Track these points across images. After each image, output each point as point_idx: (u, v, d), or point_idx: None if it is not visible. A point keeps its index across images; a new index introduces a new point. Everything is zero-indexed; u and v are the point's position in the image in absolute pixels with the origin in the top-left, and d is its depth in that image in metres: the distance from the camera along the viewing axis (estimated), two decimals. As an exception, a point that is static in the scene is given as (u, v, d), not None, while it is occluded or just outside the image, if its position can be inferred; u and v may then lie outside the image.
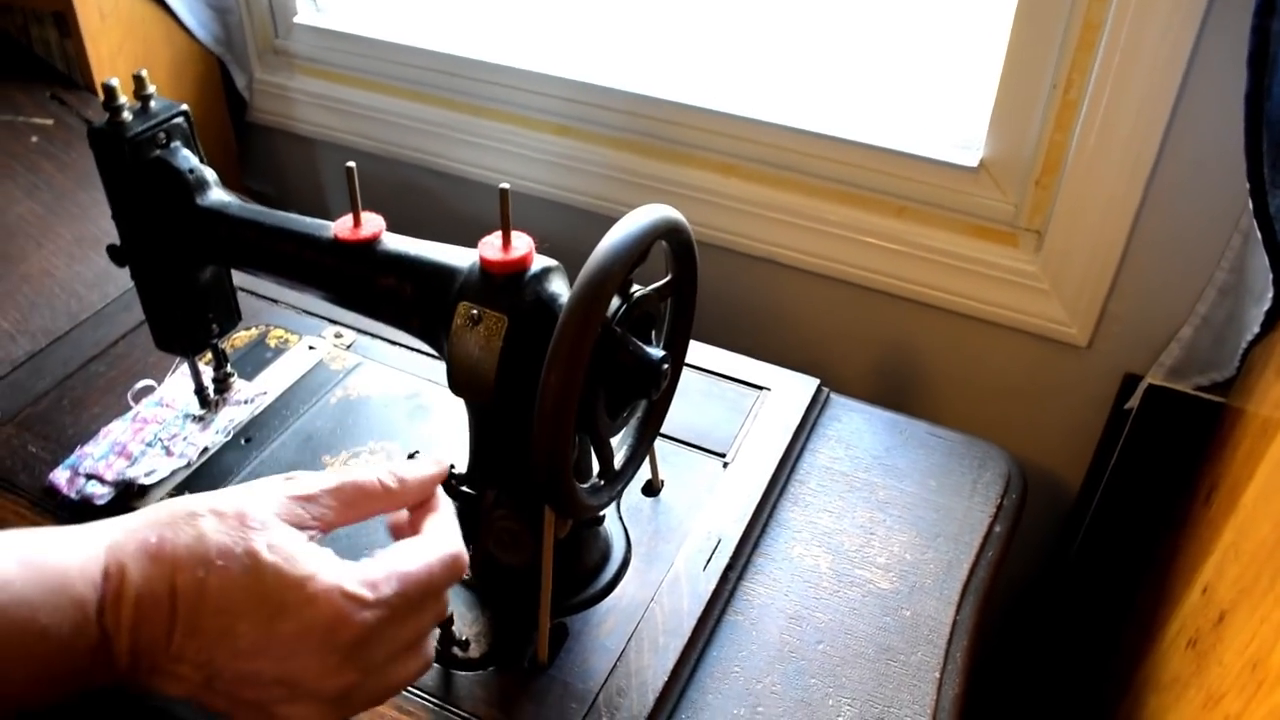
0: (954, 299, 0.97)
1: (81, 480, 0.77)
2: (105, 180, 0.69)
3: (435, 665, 0.65)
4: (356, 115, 1.22)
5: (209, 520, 0.47)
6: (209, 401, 0.82)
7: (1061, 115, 0.87)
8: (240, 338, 0.90)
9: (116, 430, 0.80)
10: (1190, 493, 0.85)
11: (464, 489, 0.65)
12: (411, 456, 0.65)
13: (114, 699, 0.64)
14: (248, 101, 1.28)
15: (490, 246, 0.58)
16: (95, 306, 0.94)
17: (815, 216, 1.01)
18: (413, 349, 0.89)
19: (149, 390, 0.84)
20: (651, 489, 0.77)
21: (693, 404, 0.85)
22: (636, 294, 0.58)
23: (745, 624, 0.70)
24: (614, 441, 0.64)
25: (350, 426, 0.82)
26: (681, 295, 0.64)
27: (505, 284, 0.58)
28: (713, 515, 0.76)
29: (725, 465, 0.80)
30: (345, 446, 0.80)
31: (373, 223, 0.63)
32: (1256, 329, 0.76)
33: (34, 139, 1.05)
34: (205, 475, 0.78)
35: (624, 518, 0.75)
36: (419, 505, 0.55)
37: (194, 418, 0.82)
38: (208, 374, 0.82)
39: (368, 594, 0.46)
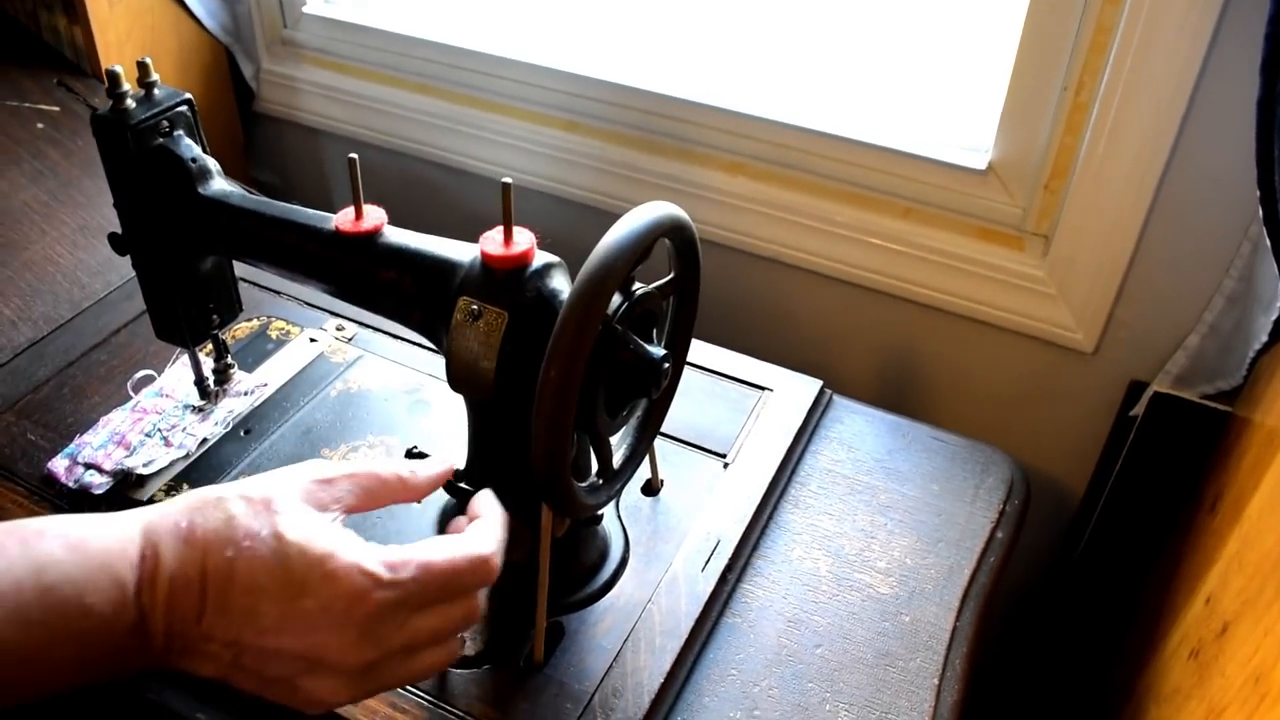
0: (959, 302, 0.97)
1: (80, 469, 0.76)
2: (107, 168, 0.69)
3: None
4: (363, 107, 1.21)
5: (237, 504, 0.48)
6: (209, 392, 0.81)
7: (1072, 118, 0.87)
8: (241, 329, 0.90)
9: (116, 420, 0.80)
10: (1195, 502, 0.84)
11: (462, 485, 0.65)
12: (410, 452, 0.64)
13: (112, 697, 0.64)
14: (255, 92, 1.27)
15: (492, 241, 0.58)
16: (98, 294, 0.94)
17: (821, 216, 1.00)
18: (414, 343, 0.89)
19: (149, 380, 0.84)
20: (651, 488, 0.77)
21: (694, 403, 0.84)
22: (638, 292, 0.58)
23: (743, 626, 0.70)
24: (613, 440, 0.63)
25: (350, 420, 0.82)
26: (684, 294, 0.64)
27: (506, 280, 0.57)
28: (712, 516, 0.75)
29: (726, 466, 0.79)
30: (344, 440, 0.80)
31: (374, 215, 0.63)
32: (1265, 338, 0.76)
33: (40, 125, 1.05)
34: (203, 466, 0.78)
35: (623, 517, 0.74)
36: (472, 516, 0.56)
37: (194, 408, 0.81)
38: (208, 365, 0.82)
39: (385, 573, 0.48)
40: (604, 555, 0.71)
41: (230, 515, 0.48)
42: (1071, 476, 1.00)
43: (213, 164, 0.69)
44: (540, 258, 0.59)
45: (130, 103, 0.66)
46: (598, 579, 0.70)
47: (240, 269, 0.79)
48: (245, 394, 0.83)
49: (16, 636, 0.43)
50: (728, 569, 0.72)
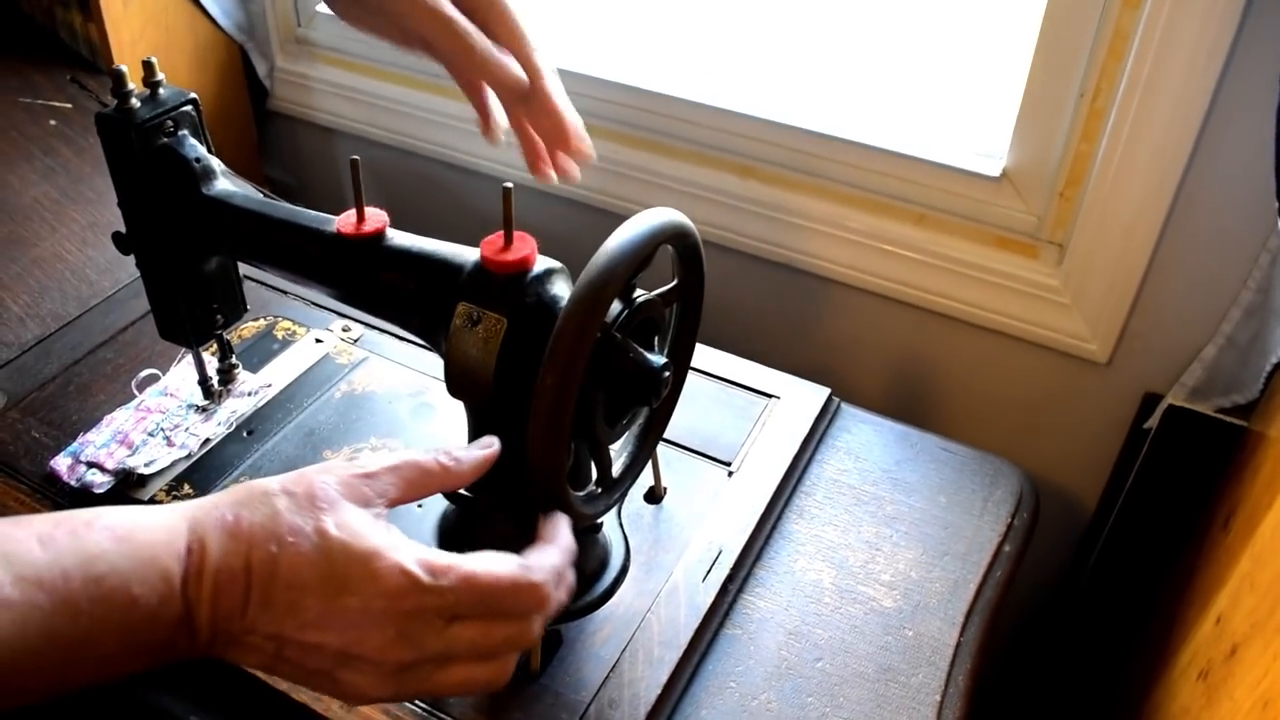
0: (972, 310, 0.95)
1: (82, 468, 0.76)
2: (112, 167, 0.68)
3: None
4: (376, 106, 1.21)
5: (282, 499, 0.49)
6: (213, 392, 0.81)
7: (1088, 125, 0.85)
8: (248, 329, 0.90)
9: (120, 418, 0.80)
10: (1208, 517, 0.83)
11: (462, 491, 0.64)
12: None
13: (106, 697, 0.64)
14: (268, 90, 1.27)
15: (492, 246, 0.57)
16: (106, 292, 0.94)
17: (833, 222, 0.99)
18: (420, 345, 0.88)
19: (153, 379, 0.83)
20: (654, 496, 0.76)
21: (700, 410, 0.83)
22: (639, 299, 0.57)
23: (743, 638, 0.69)
24: (614, 449, 0.62)
25: (353, 422, 0.81)
26: (687, 302, 0.63)
27: (506, 285, 0.57)
28: (715, 525, 0.74)
29: (730, 474, 0.78)
30: (347, 442, 0.80)
31: (376, 218, 0.62)
32: (1282, 352, 0.74)
33: (52, 122, 1.05)
34: (205, 467, 0.77)
35: (624, 524, 0.73)
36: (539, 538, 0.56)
37: (197, 408, 0.81)
38: (213, 365, 0.82)
39: (425, 577, 0.48)
40: (604, 563, 0.70)
41: (275, 510, 0.48)
42: (1084, 490, 0.99)
43: (217, 164, 0.69)
44: (541, 263, 0.58)
45: (135, 102, 0.66)
46: (597, 587, 0.69)
47: (247, 268, 0.78)
48: (249, 394, 0.82)
49: (64, 627, 0.44)
50: (729, 579, 0.71)
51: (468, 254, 0.60)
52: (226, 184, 0.69)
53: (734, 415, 0.83)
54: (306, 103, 1.26)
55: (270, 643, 0.48)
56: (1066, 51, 0.83)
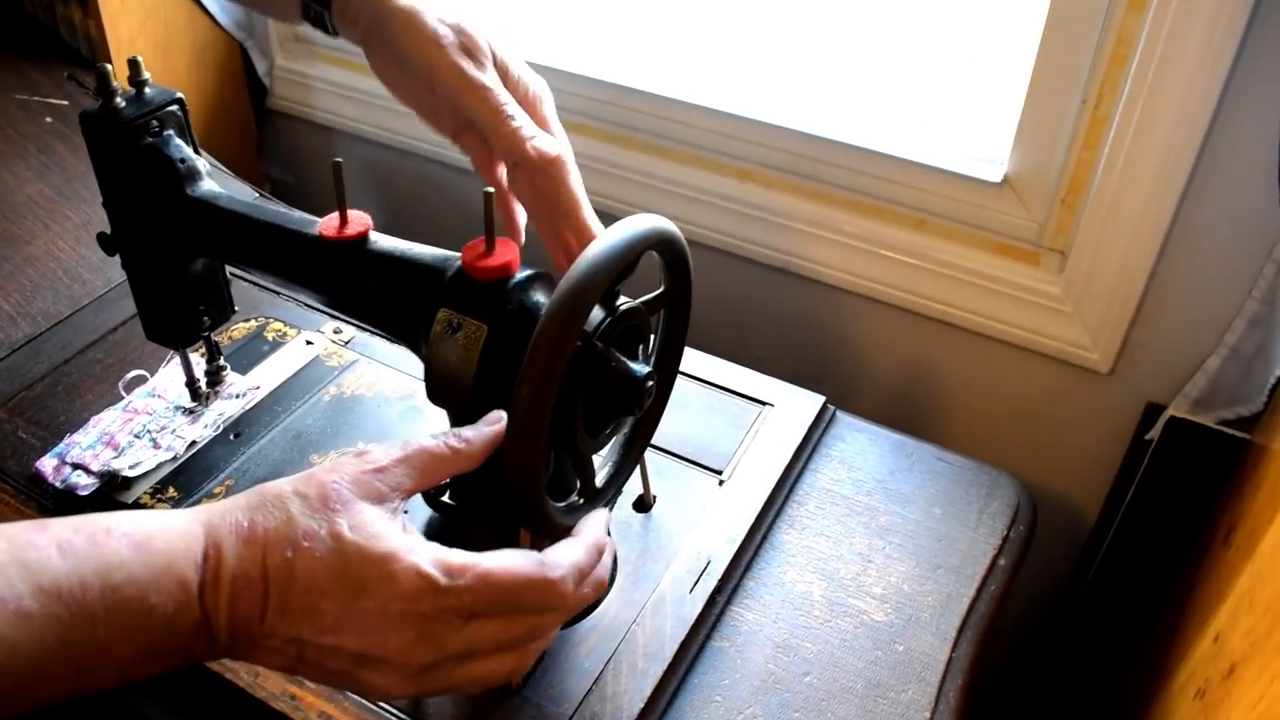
0: (972, 318, 0.94)
1: (67, 469, 0.76)
2: (96, 167, 0.68)
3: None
4: (376, 106, 1.20)
5: (295, 502, 0.48)
6: (200, 394, 0.80)
7: (1091, 132, 0.84)
8: (238, 329, 0.89)
9: (107, 419, 0.79)
10: (1209, 531, 0.81)
11: (444, 500, 0.63)
12: None
13: (97, 705, 0.64)
14: (268, 89, 1.27)
15: (473, 251, 0.56)
16: (98, 291, 0.93)
17: (832, 226, 0.98)
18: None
19: (141, 380, 0.83)
20: (643, 504, 0.75)
21: (692, 417, 0.82)
22: (623, 306, 0.56)
23: (730, 651, 0.68)
24: (598, 459, 0.61)
25: (341, 425, 0.80)
26: (674, 309, 0.62)
27: (487, 291, 0.56)
28: (704, 535, 0.73)
29: (721, 483, 0.77)
30: (334, 446, 0.79)
31: (359, 221, 0.61)
32: (1286, 364, 0.73)
33: (48, 120, 1.05)
34: (191, 470, 0.77)
35: (612, 533, 0.72)
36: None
37: (184, 410, 0.80)
38: (201, 366, 0.81)
39: (442, 579, 0.48)
40: (590, 573, 0.69)
41: (289, 514, 0.48)
42: (1084, 501, 0.97)
43: (202, 165, 0.68)
44: (524, 269, 0.57)
45: (120, 101, 0.65)
46: (582, 597, 0.68)
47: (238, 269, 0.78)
48: (237, 397, 0.82)
49: (82, 636, 0.44)
50: (717, 591, 0.70)
51: (451, 259, 0.59)
52: (212, 185, 0.68)
53: (726, 423, 0.82)
54: (306, 101, 1.26)
55: (291, 646, 0.48)
56: (1069, 57, 0.82)
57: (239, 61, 1.24)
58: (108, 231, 0.71)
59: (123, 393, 0.82)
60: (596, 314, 0.55)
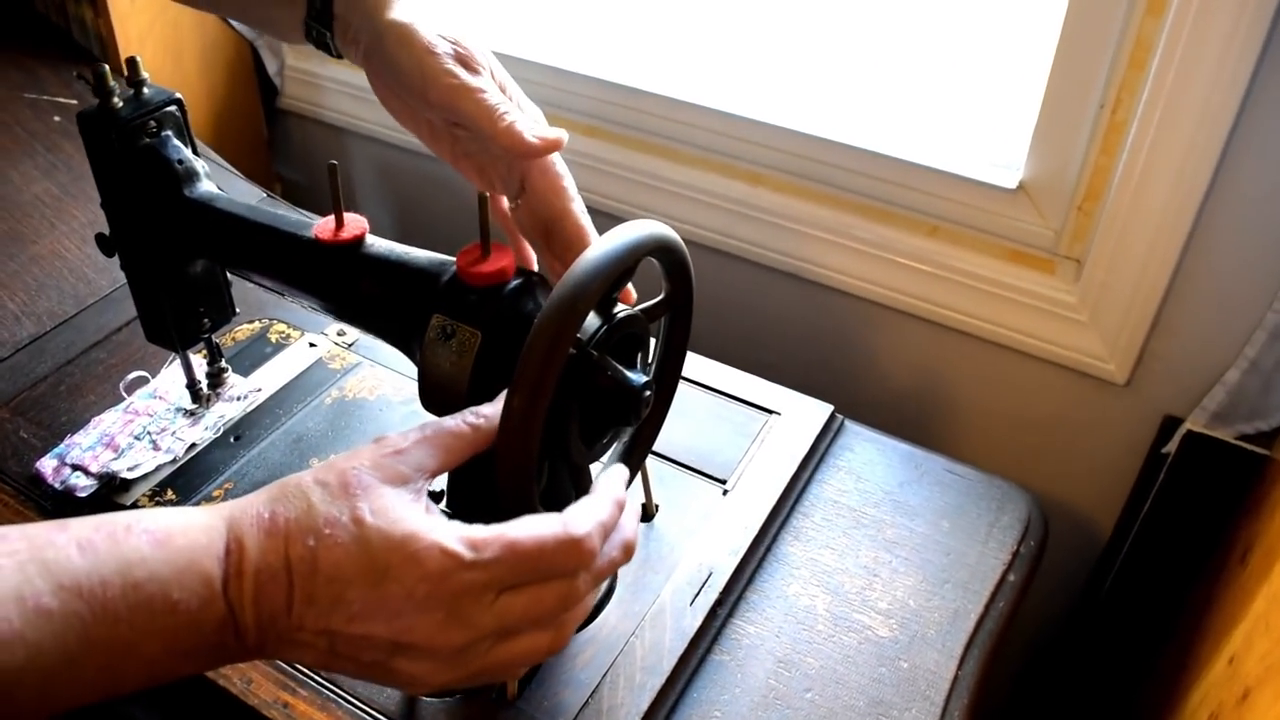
0: (985, 326, 0.92)
1: (67, 470, 0.75)
2: (94, 166, 0.67)
3: (400, 694, 0.62)
4: (386, 106, 1.19)
5: (315, 491, 0.48)
6: (201, 396, 0.80)
7: (1108, 137, 0.82)
8: (242, 331, 0.88)
9: (107, 420, 0.79)
10: (1225, 550, 0.79)
11: (442, 509, 0.62)
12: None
13: (91, 710, 0.63)
14: (279, 88, 1.26)
15: (468, 256, 0.55)
16: (103, 291, 0.93)
17: (844, 232, 0.96)
18: (415, 351, 0.87)
19: (142, 381, 0.82)
20: (644, 514, 0.73)
21: (696, 425, 0.81)
22: (620, 314, 0.55)
23: (731, 665, 0.66)
24: (595, 469, 0.60)
25: (342, 429, 0.80)
26: (675, 317, 0.61)
27: (481, 297, 0.55)
28: (706, 545, 0.72)
29: (725, 492, 0.76)
30: (334, 450, 0.78)
31: (355, 224, 0.61)
32: (1307, 378, 0.71)
33: (56, 118, 1.05)
34: (190, 472, 0.76)
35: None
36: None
37: (185, 412, 0.80)
38: (202, 368, 0.80)
39: (467, 553, 0.46)
40: (588, 584, 0.68)
41: (310, 503, 0.47)
42: (1097, 516, 0.95)
43: (200, 166, 0.68)
44: (520, 275, 0.56)
45: (117, 101, 0.65)
46: (580, 609, 0.67)
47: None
48: (238, 399, 0.81)
49: (104, 635, 0.43)
50: (718, 603, 0.69)
51: (448, 263, 0.58)
52: (209, 186, 0.67)
53: (732, 431, 0.81)
54: (317, 101, 1.25)
55: (322, 639, 0.47)
56: (1086, 61, 0.80)
57: (249, 61, 1.24)
58: (104, 233, 0.71)
59: (124, 394, 0.81)
60: (593, 321, 0.53)
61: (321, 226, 0.60)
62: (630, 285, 0.59)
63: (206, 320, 0.76)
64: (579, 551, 0.49)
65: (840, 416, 0.84)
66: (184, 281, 0.72)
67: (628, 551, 0.52)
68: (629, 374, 0.54)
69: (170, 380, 0.82)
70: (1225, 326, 0.82)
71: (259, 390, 0.82)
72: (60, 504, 0.74)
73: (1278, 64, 0.71)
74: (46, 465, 0.76)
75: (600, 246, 0.50)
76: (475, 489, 0.59)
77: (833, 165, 0.96)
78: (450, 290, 0.55)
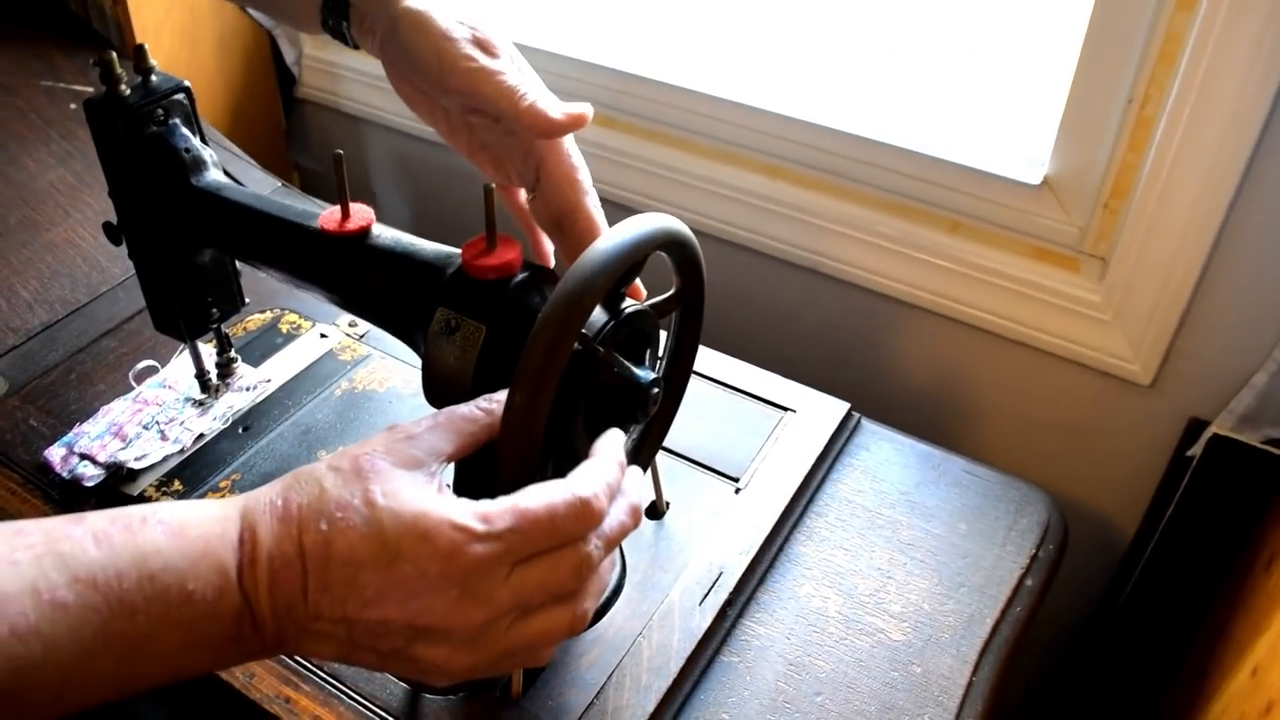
0: (1006, 324, 0.90)
1: (75, 460, 0.75)
2: (101, 155, 0.67)
3: (402, 688, 0.62)
4: (403, 96, 1.19)
5: (328, 476, 0.47)
6: (210, 387, 0.79)
7: (1136, 133, 0.80)
8: (253, 321, 0.88)
9: (116, 410, 0.78)
10: (1250, 557, 0.77)
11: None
12: None
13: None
14: (296, 77, 1.26)
15: (473, 249, 0.54)
16: (116, 279, 0.93)
17: (864, 227, 0.94)
18: (426, 344, 0.86)
19: (151, 370, 0.82)
20: (655, 511, 0.72)
21: (709, 421, 0.80)
22: (628, 309, 0.54)
23: (740, 667, 0.65)
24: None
25: (350, 421, 0.79)
26: (686, 313, 0.59)
27: (487, 290, 0.54)
28: (717, 544, 0.71)
29: (737, 491, 0.75)
30: (343, 442, 0.77)
31: (361, 215, 0.59)
32: (1338, 383, 0.69)
33: (73, 106, 1.04)
34: (198, 463, 0.76)
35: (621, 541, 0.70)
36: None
37: (194, 402, 0.79)
38: (211, 358, 0.80)
39: (478, 526, 0.45)
40: (596, 582, 0.66)
41: (322, 488, 0.47)
42: (1119, 520, 0.93)
43: (208, 155, 0.67)
44: (527, 268, 0.55)
45: (124, 88, 0.64)
46: (587, 607, 0.65)
47: (250, 260, 0.76)
48: (247, 389, 0.80)
49: (121, 627, 0.43)
50: (728, 603, 0.67)
51: (454, 256, 0.57)
52: (217, 175, 0.66)
53: (745, 428, 0.80)
54: (335, 90, 1.24)
55: (340, 627, 0.46)
56: (1114, 55, 0.78)
57: (267, 50, 1.24)
58: (111, 222, 0.70)
59: (133, 383, 0.81)
60: (600, 317, 0.52)
61: (327, 217, 0.60)
62: (639, 280, 0.58)
63: (215, 310, 0.75)
64: (588, 512, 0.47)
65: (856, 414, 0.82)
66: (192, 271, 0.71)
67: (636, 515, 0.51)
68: (636, 371, 0.53)
69: (179, 370, 0.82)
70: (1254, 327, 0.80)
71: (268, 381, 0.82)
72: (67, 493, 0.74)
73: (1313, 58, 0.69)
74: (54, 454, 0.75)
75: (607, 240, 0.49)
76: (480, 486, 0.58)
77: (852, 159, 0.94)
78: (455, 283, 0.54)
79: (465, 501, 0.46)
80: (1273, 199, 0.75)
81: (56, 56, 1.08)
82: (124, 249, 0.87)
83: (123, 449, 0.75)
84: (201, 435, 0.77)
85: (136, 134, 0.65)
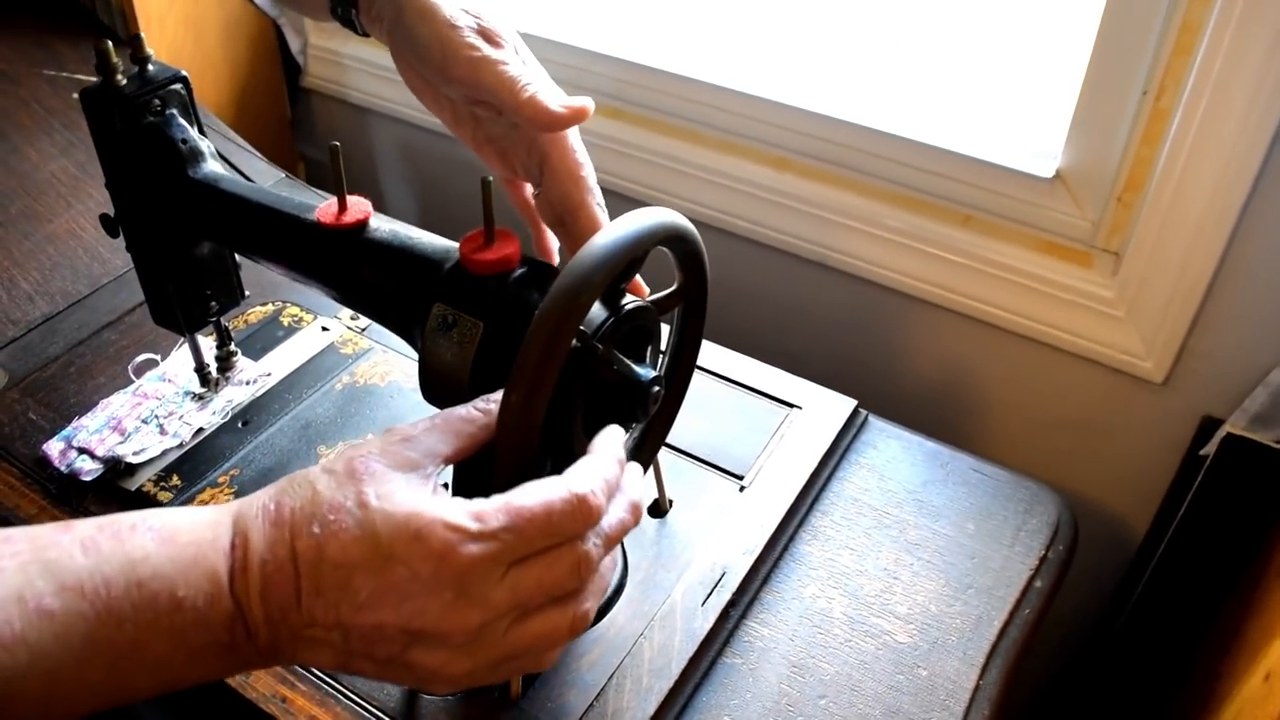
0: (1018, 320, 0.89)
1: (73, 454, 0.74)
2: (98, 145, 0.66)
3: (399, 690, 0.61)
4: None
5: (322, 479, 0.46)
6: (209, 380, 0.79)
7: (1151, 126, 0.79)
8: (254, 313, 0.87)
9: (115, 403, 0.78)
10: (1263, 559, 0.76)
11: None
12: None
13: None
14: (302, 67, 1.25)
15: (471, 243, 0.53)
16: (118, 271, 0.92)
17: (872, 220, 0.93)
18: (428, 337, 0.85)
19: (150, 364, 0.81)
20: (657, 509, 0.71)
21: (714, 418, 0.79)
22: (629, 305, 0.52)
23: (743, 669, 0.64)
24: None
25: (351, 416, 0.78)
26: (688, 309, 0.58)
27: (485, 286, 0.53)
28: (721, 543, 0.70)
29: (742, 489, 0.73)
30: (343, 437, 0.76)
31: (358, 208, 0.58)
32: (1356, 382, 0.67)
33: (75, 95, 1.03)
34: (196, 458, 0.75)
35: (623, 540, 0.69)
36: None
37: (194, 396, 0.79)
38: (211, 351, 0.79)
39: (472, 525, 0.44)
40: (597, 581, 0.66)
41: (315, 491, 0.46)
42: (1130, 520, 0.92)
43: (205, 146, 0.66)
44: (526, 263, 0.54)
45: (120, 78, 0.63)
46: (588, 607, 0.65)
47: (251, 252, 0.75)
48: (247, 383, 0.80)
49: (109, 635, 0.42)
50: (731, 604, 0.66)
51: (452, 250, 0.56)
52: (215, 166, 0.65)
53: (750, 425, 0.78)
54: (340, 80, 1.23)
55: (335, 634, 0.45)
56: (1129, 45, 0.76)
57: (272, 39, 1.23)
58: (109, 214, 0.69)
59: (132, 376, 0.80)
60: (599, 313, 0.51)
61: (324, 210, 0.59)
62: (639, 277, 0.57)
63: (214, 303, 0.74)
64: (586, 509, 0.46)
65: (864, 412, 0.81)
66: (190, 263, 0.71)
67: (636, 513, 0.50)
68: (636, 368, 0.52)
69: (179, 363, 0.81)
70: (1269, 325, 0.78)
71: (268, 374, 0.81)
72: (65, 487, 0.73)
73: (1334, 49, 0.67)
74: (53, 448, 0.75)
75: (606, 235, 0.48)
76: (479, 488, 0.57)
77: (861, 151, 0.93)
78: (453, 278, 0.53)
79: (460, 501, 0.45)
80: (1291, 194, 0.73)
81: (59, 45, 1.07)
82: (123, 240, 0.86)
83: (121, 443, 0.74)
84: (200, 429, 0.76)
85: (133, 124, 0.64)
